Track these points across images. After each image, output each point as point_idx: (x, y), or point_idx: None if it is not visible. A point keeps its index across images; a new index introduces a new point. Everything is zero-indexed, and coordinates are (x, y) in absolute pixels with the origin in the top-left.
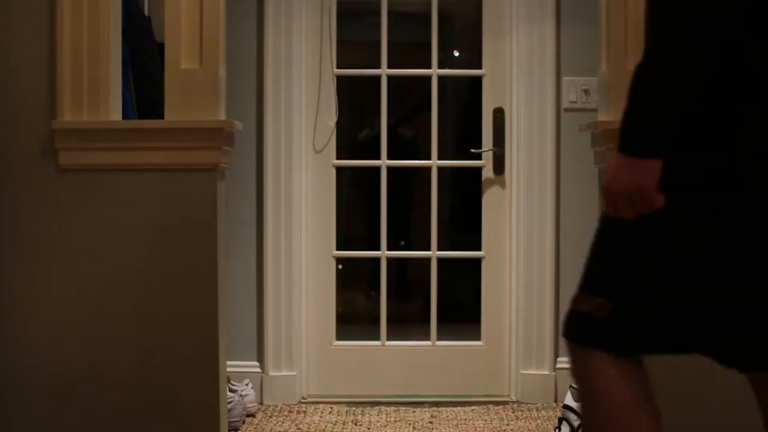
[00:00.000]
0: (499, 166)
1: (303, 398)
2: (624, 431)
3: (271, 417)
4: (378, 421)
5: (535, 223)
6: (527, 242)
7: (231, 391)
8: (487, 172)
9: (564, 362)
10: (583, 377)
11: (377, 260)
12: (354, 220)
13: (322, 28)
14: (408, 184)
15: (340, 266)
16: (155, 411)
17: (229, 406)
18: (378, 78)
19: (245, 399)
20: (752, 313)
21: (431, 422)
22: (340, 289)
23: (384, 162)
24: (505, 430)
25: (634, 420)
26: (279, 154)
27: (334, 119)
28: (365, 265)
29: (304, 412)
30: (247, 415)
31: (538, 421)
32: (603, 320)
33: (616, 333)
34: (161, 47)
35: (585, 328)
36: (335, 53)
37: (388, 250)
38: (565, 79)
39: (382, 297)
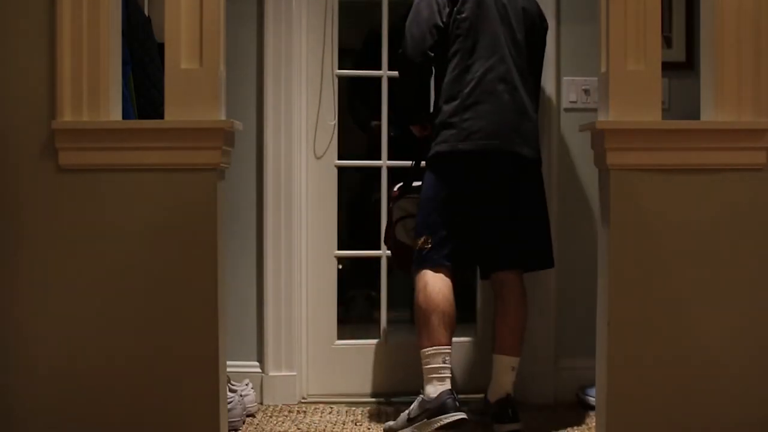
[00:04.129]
0: None
1: (303, 398)
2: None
3: (271, 417)
4: (378, 421)
5: None
6: None
7: (231, 391)
8: None
9: (564, 362)
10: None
11: (377, 260)
12: (355, 219)
13: (326, 28)
14: None
15: (340, 266)
16: (156, 411)
17: (229, 406)
18: (379, 79)
19: (245, 399)
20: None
21: None
22: (340, 289)
23: (384, 162)
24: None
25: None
26: (279, 155)
27: (335, 119)
28: (366, 265)
29: (304, 412)
30: (247, 415)
31: (538, 421)
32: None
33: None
34: (161, 47)
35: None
36: (336, 54)
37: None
38: (565, 79)
39: (383, 296)
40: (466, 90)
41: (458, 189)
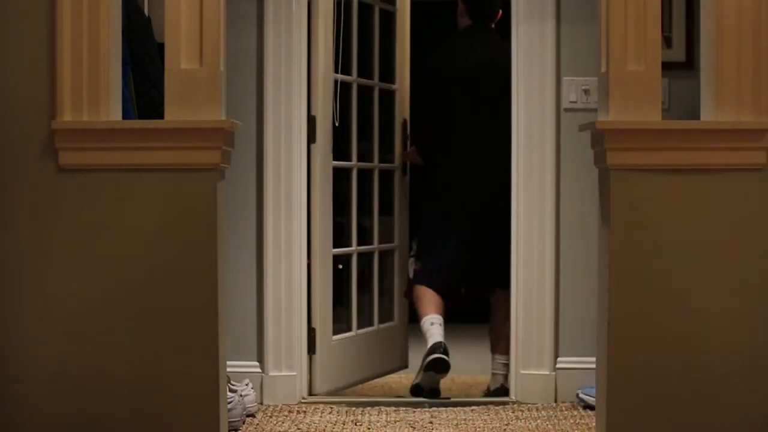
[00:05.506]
0: None
1: (303, 398)
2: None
3: (271, 417)
4: (378, 421)
5: (535, 222)
6: (527, 242)
7: (231, 391)
8: None
9: (564, 362)
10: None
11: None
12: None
13: (325, 30)
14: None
15: (340, 266)
16: (155, 411)
17: (229, 406)
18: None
19: (245, 399)
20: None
21: (431, 422)
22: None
23: (355, 164)
24: (505, 430)
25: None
26: (279, 155)
27: (334, 120)
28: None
29: (304, 412)
30: (247, 415)
31: (538, 421)
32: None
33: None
34: (161, 47)
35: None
36: (332, 56)
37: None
38: (565, 79)
39: (353, 293)
40: (443, 153)
41: (448, 230)
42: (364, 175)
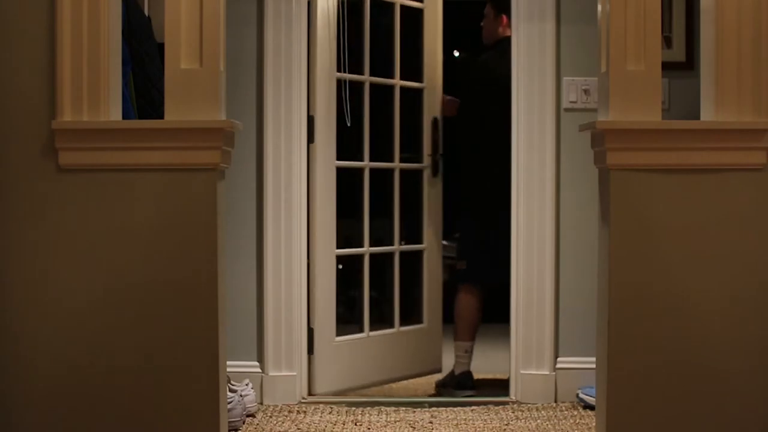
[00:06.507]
0: None
1: (303, 398)
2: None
3: (271, 417)
4: (378, 421)
5: (535, 222)
6: (527, 242)
7: (231, 391)
8: None
9: (564, 362)
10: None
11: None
12: (358, 219)
13: (325, 30)
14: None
15: (340, 266)
16: (156, 411)
17: (229, 406)
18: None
19: (245, 399)
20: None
21: (431, 422)
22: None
23: (367, 164)
24: (505, 430)
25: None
26: (279, 155)
27: (345, 120)
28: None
29: (304, 412)
30: (247, 415)
31: (538, 421)
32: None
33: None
34: (161, 47)
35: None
36: (335, 58)
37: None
38: (565, 79)
39: (365, 294)
40: (478, 160)
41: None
42: (384, 176)
